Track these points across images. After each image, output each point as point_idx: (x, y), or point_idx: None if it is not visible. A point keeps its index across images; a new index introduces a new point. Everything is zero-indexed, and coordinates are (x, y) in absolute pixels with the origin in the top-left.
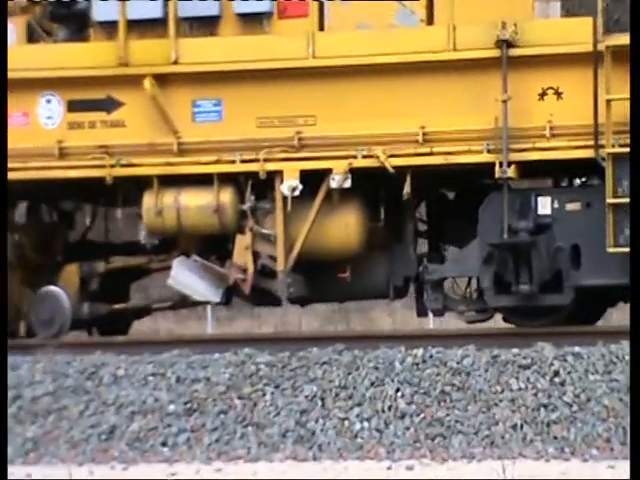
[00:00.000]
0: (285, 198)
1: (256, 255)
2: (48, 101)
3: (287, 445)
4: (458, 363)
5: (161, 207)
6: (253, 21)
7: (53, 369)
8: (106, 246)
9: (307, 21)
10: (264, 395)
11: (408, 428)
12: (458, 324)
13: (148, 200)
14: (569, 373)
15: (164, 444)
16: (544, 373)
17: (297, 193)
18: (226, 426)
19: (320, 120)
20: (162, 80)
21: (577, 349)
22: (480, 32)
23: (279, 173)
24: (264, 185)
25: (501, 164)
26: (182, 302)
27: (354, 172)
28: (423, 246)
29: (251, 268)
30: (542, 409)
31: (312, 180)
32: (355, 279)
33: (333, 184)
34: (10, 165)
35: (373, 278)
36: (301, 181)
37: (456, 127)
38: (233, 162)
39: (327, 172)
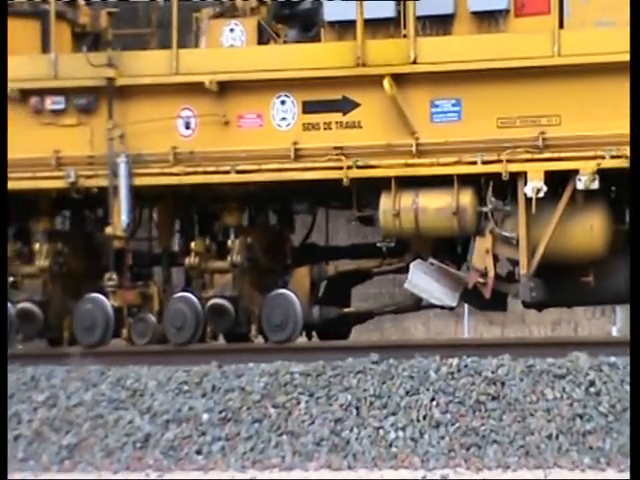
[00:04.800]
0: (528, 200)
1: (495, 258)
2: (282, 102)
3: (322, 454)
4: (493, 373)
5: (399, 209)
6: (488, 19)
7: (88, 378)
8: (329, 249)
9: (547, 18)
10: (299, 404)
11: (443, 437)
12: (493, 334)
13: (386, 202)
14: (605, 383)
15: (199, 452)
16: (579, 383)
17: (541, 195)
18: (260, 435)
19: (565, 120)
20: (400, 80)
21: (613, 359)
22: None
23: (522, 174)
24: (505, 186)
25: None
26: (409, 306)
27: (600, 173)
28: None
29: (492, 272)
30: (577, 419)
31: (554, 181)
32: (598, 283)
33: (579, 185)
34: (245, 167)
35: (616, 282)
36: (545, 182)
37: None
38: (474, 163)
39: (571, 173)
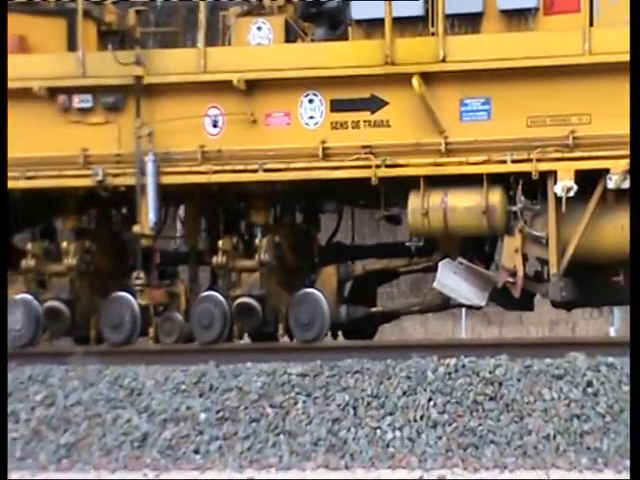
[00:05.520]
0: (558, 199)
1: (525, 258)
2: (310, 101)
3: (319, 454)
4: (491, 373)
5: (427, 208)
6: (518, 17)
7: (86, 378)
8: (355, 248)
9: (577, 17)
10: (296, 404)
11: (440, 437)
12: (490, 334)
13: (414, 201)
14: (602, 384)
15: (196, 452)
16: (577, 383)
17: (572, 194)
18: (258, 434)
19: (595, 118)
20: (429, 79)
21: (610, 359)
22: None
23: (552, 173)
24: (534, 185)
25: None
26: (437, 306)
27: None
28: None
29: (521, 271)
30: (575, 419)
31: (585, 180)
32: (628, 283)
33: (610, 184)
34: (273, 166)
35: None
36: (575, 181)
37: None
38: (503, 162)
39: (602, 172)
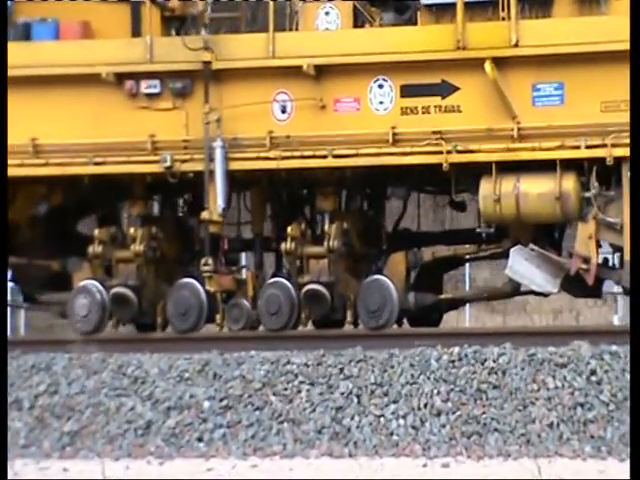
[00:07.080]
0: None
1: (597, 244)
2: (380, 86)
3: (323, 442)
4: (494, 361)
5: (499, 194)
6: (589, 1)
7: (89, 366)
8: (422, 235)
9: None
10: (300, 392)
11: (444, 426)
12: (494, 322)
13: (486, 187)
14: (606, 372)
15: (200, 440)
16: (581, 372)
17: None
18: (262, 422)
19: None
20: (501, 63)
21: (614, 348)
22: None
23: (626, 159)
24: (609, 171)
25: None
26: (506, 293)
27: None
28: None
29: (595, 258)
30: (579, 408)
31: None
32: None
33: None
34: (342, 152)
35: None
36: None
37: None
38: (577, 148)
39: None
